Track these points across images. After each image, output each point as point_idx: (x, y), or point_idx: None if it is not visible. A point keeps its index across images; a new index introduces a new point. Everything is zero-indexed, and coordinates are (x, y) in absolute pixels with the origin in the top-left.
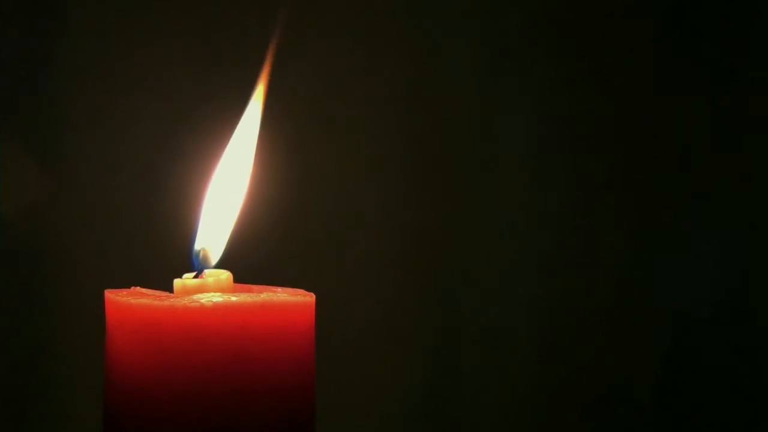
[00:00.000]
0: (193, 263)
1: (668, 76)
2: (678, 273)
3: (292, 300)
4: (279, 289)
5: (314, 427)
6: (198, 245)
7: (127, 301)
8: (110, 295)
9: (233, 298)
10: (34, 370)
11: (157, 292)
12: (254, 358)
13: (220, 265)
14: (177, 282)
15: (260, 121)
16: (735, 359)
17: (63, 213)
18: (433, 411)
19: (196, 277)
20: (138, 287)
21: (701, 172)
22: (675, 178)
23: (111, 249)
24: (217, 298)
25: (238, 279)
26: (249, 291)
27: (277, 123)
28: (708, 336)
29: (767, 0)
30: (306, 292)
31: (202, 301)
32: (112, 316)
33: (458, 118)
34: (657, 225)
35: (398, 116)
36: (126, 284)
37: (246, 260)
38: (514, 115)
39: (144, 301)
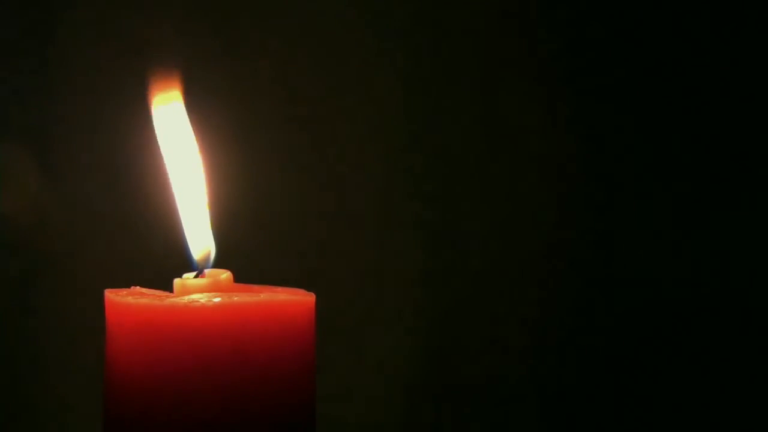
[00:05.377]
0: (192, 263)
1: (671, 78)
2: (680, 277)
3: (292, 299)
4: (279, 288)
5: (314, 426)
6: (196, 245)
7: (127, 301)
8: (110, 295)
9: (233, 298)
10: (34, 371)
11: (157, 292)
12: (254, 358)
13: (217, 264)
14: (177, 282)
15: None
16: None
17: (63, 213)
18: (434, 411)
19: (196, 277)
20: (138, 287)
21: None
22: (682, 183)
23: (111, 249)
24: (217, 298)
25: (238, 279)
26: (249, 291)
27: (278, 123)
28: (709, 335)
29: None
30: (306, 292)
31: (202, 301)
32: (112, 316)
33: (460, 117)
34: (667, 227)
35: (399, 114)
36: (126, 284)
37: (246, 260)
38: (516, 113)
39: (144, 301)
